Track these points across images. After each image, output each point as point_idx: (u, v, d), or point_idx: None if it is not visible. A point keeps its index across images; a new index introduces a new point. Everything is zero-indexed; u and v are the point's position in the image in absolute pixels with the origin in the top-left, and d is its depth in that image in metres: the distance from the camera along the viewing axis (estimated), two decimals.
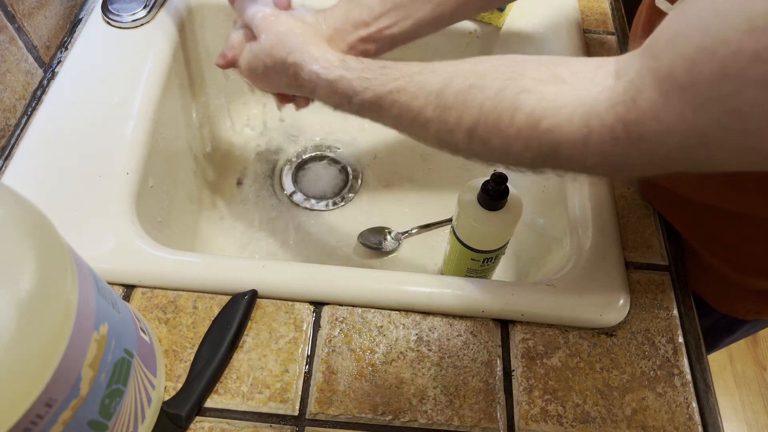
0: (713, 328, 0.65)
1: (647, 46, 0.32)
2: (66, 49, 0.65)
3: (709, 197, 0.50)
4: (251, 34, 0.52)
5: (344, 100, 0.46)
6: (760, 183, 0.44)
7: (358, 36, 0.51)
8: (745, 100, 0.27)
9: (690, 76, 0.29)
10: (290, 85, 0.50)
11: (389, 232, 0.73)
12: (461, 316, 0.50)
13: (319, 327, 0.49)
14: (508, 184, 0.50)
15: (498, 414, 0.45)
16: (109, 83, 0.60)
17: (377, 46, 0.52)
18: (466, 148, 0.40)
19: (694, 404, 0.47)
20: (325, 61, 0.47)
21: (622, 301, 0.50)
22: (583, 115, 0.33)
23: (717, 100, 0.28)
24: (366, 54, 0.52)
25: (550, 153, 0.36)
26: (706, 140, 0.30)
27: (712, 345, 0.70)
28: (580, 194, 0.57)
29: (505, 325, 0.50)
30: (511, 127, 0.36)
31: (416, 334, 0.48)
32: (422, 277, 0.51)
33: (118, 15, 0.65)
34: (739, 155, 0.30)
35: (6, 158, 0.56)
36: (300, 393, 0.45)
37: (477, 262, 0.56)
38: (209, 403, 0.45)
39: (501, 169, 0.41)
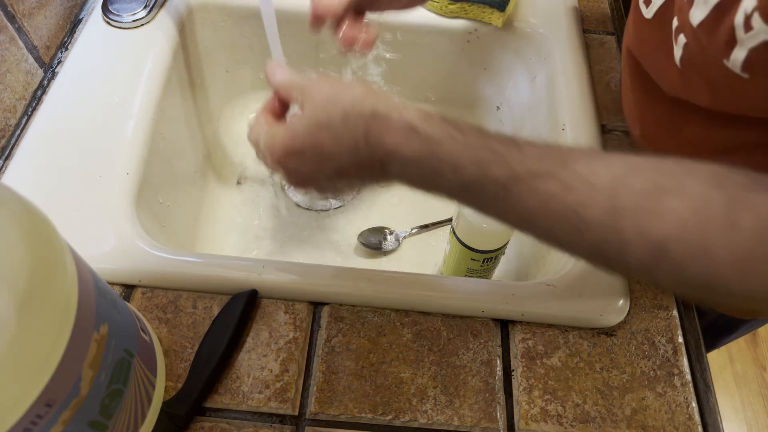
0: (712, 327, 0.66)
1: None
2: (66, 49, 0.65)
3: None
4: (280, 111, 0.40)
5: (448, 169, 0.33)
6: None
7: None
8: None
9: None
10: (354, 159, 0.35)
11: (389, 232, 0.73)
12: (461, 316, 0.50)
13: (319, 327, 0.49)
14: None
15: (498, 414, 0.45)
16: (109, 83, 0.60)
17: None
18: (643, 269, 0.30)
19: (694, 404, 0.47)
20: (419, 112, 0.34)
21: (621, 301, 0.50)
22: None
23: None
24: None
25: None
26: None
27: (711, 345, 0.70)
28: None
29: (505, 325, 0.50)
30: (724, 253, 0.27)
31: (416, 334, 0.49)
32: (422, 277, 0.51)
33: (118, 15, 0.65)
34: None
35: (6, 158, 0.56)
36: (300, 393, 0.46)
37: (477, 262, 0.56)
38: (209, 403, 0.45)
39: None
